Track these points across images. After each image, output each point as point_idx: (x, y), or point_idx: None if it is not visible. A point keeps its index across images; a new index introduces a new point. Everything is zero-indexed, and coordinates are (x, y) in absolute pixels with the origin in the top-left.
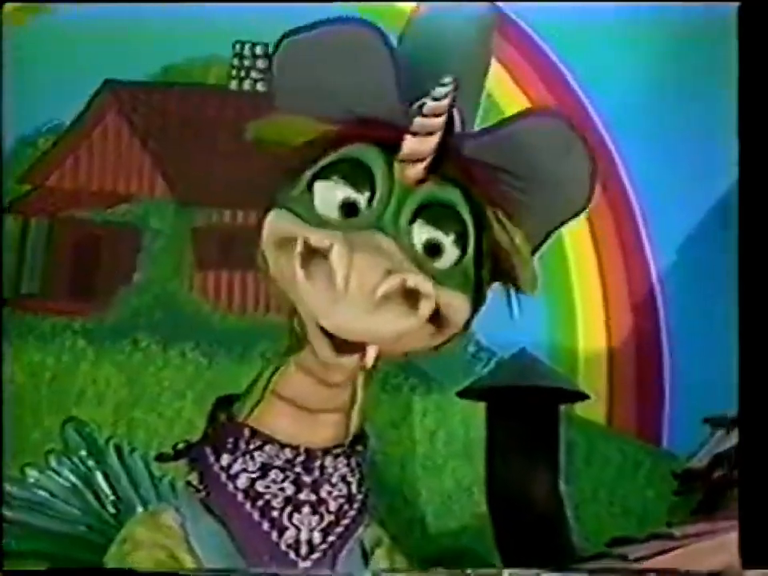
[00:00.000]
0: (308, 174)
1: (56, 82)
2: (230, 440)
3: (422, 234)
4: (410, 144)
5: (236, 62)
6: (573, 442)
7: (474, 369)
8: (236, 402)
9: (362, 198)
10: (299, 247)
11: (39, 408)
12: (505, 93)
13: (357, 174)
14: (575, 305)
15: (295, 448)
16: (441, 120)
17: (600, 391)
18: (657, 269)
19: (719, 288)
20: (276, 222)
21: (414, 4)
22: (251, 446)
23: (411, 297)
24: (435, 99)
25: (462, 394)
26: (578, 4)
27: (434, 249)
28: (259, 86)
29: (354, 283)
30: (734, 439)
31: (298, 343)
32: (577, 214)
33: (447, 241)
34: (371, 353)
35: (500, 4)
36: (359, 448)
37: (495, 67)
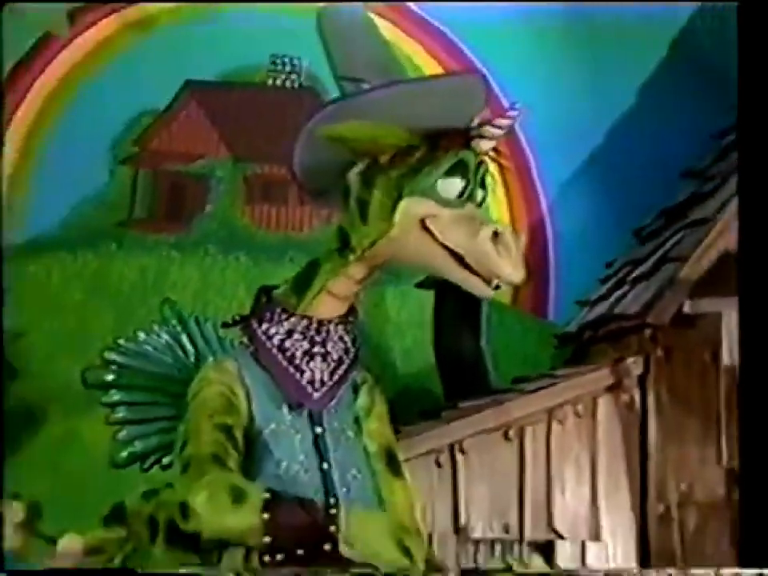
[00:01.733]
0: (435, 172)
1: (153, 77)
2: (267, 314)
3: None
4: (485, 145)
5: (272, 68)
6: (489, 315)
7: None
8: (274, 289)
9: (463, 184)
10: (489, 231)
11: (145, 294)
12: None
13: (463, 170)
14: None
15: (309, 318)
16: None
17: None
18: (546, 198)
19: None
20: (417, 205)
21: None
22: (281, 318)
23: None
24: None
25: (418, 285)
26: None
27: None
28: (287, 84)
29: (515, 252)
30: (594, 313)
31: (344, 268)
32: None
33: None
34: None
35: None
36: (351, 318)
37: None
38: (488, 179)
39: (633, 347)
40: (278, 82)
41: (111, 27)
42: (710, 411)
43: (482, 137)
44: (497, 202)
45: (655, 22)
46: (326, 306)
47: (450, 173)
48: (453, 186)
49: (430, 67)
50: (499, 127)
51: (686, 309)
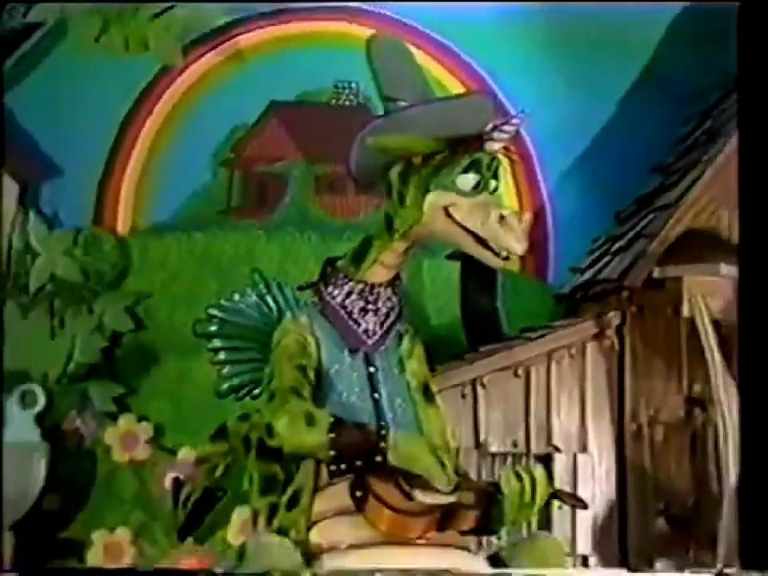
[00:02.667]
0: (455, 171)
1: (245, 99)
2: (332, 279)
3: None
4: (495, 146)
5: (335, 90)
6: (503, 280)
7: None
8: (336, 260)
9: (478, 177)
10: (497, 214)
11: (239, 265)
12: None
13: (477, 167)
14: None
15: (364, 282)
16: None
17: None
18: (546, 187)
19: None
20: (440, 197)
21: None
22: (342, 282)
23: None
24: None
25: (449, 257)
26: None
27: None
28: (347, 103)
29: (518, 230)
30: (583, 278)
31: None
32: None
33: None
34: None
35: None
36: (397, 282)
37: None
38: (500, 172)
39: (613, 304)
40: (340, 101)
41: (212, 60)
42: (672, 353)
43: (492, 140)
44: (508, 191)
45: (630, 45)
46: (377, 273)
47: (466, 170)
48: (468, 180)
49: (446, 80)
50: (505, 132)
51: (655, 274)
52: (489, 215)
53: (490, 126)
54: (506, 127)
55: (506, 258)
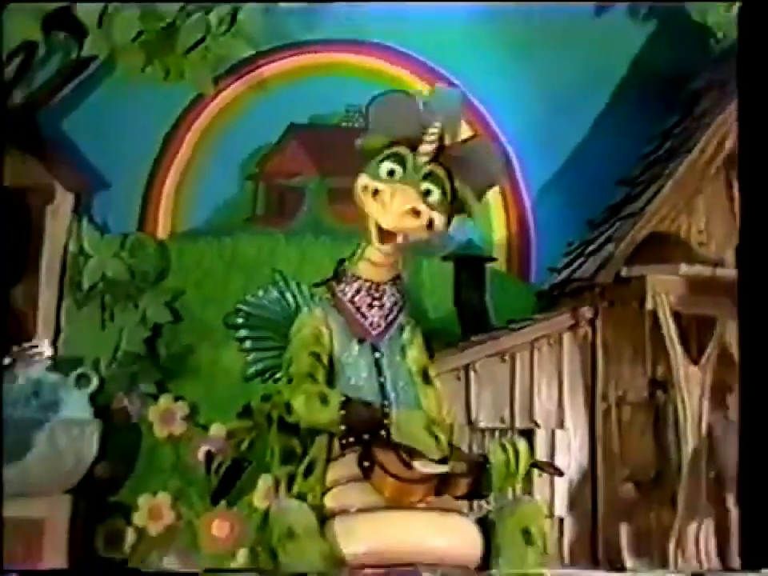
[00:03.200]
0: (378, 158)
1: (267, 122)
2: (343, 278)
3: (425, 185)
4: (424, 147)
5: (345, 115)
6: (491, 279)
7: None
8: (347, 260)
9: (399, 168)
10: (371, 188)
11: (262, 266)
12: None
13: (397, 158)
14: (492, 221)
15: (369, 281)
16: (436, 138)
17: (501, 256)
18: (529, 200)
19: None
20: (362, 179)
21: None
22: (351, 281)
23: (418, 214)
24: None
25: (444, 258)
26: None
27: (428, 192)
28: (356, 125)
29: (394, 205)
30: (561, 277)
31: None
32: (492, 186)
33: (436, 190)
34: (399, 239)
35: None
36: (398, 281)
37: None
38: (437, 174)
39: (586, 300)
40: (350, 123)
41: (239, 88)
42: (638, 341)
43: (421, 145)
44: (496, 203)
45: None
46: (368, 270)
47: (384, 159)
48: (383, 167)
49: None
50: (428, 145)
51: (623, 273)
52: (381, 194)
53: (429, 135)
54: (424, 146)
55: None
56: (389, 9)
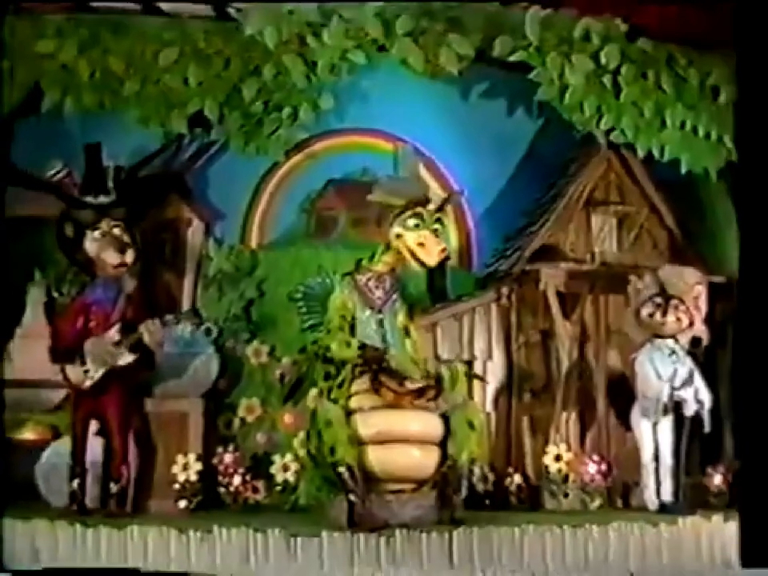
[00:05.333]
0: (406, 216)
1: (318, 180)
2: (360, 271)
3: (437, 228)
4: (431, 207)
5: (363, 172)
6: (449, 272)
7: None
8: (362, 260)
9: (416, 221)
10: (424, 242)
11: (313, 266)
12: None
13: (418, 215)
14: (450, 236)
15: (376, 272)
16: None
17: (454, 257)
18: (472, 221)
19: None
20: (396, 229)
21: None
22: (364, 272)
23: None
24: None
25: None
26: None
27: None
28: (368, 179)
29: (433, 248)
30: (491, 269)
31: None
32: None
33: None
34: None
35: None
36: (394, 273)
37: None
38: (443, 220)
39: (505, 283)
40: (365, 178)
41: (299, 157)
42: (535, 308)
43: (429, 204)
44: (453, 231)
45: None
46: (381, 266)
47: (411, 217)
48: (411, 222)
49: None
50: (436, 203)
51: (526, 268)
52: (420, 241)
53: (434, 197)
54: (436, 202)
55: (449, 258)
56: (388, 102)
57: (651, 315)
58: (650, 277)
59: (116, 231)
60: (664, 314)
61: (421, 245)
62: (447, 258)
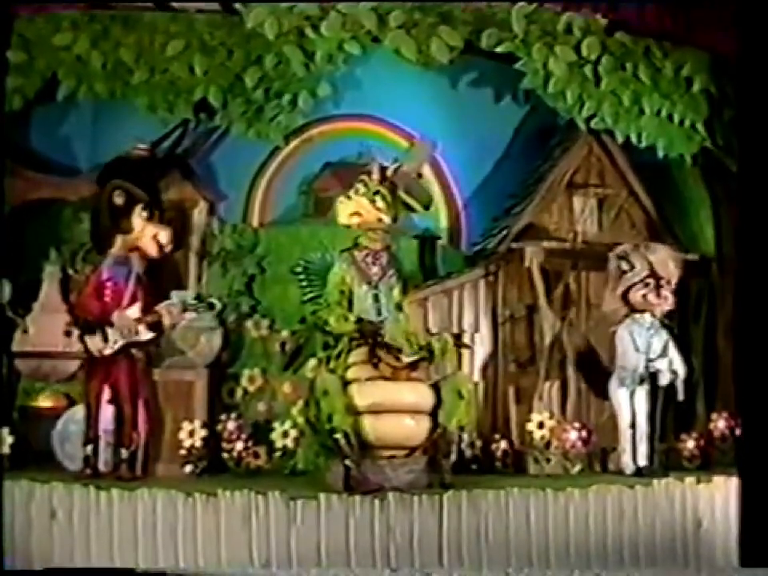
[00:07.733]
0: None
1: (318, 163)
2: (357, 247)
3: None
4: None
5: (358, 156)
6: (440, 249)
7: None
8: (359, 237)
9: (363, 188)
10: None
11: (310, 241)
12: None
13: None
14: (440, 216)
15: (372, 249)
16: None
17: (445, 236)
18: (461, 202)
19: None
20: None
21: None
22: (361, 249)
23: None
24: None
25: (414, 237)
26: None
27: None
28: (362, 161)
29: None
30: (479, 247)
31: None
32: (429, 201)
33: (380, 200)
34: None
35: None
36: (389, 250)
37: None
38: (383, 191)
39: (493, 261)
40: (360, 162)
41: (297, 143)
42: (521, 285)
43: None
44: (443, 207)
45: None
46: (372, 241)
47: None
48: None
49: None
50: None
51: (513, 246)
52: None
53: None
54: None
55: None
56: (381, 87)
57: (645, 296)
58: (640, 260)
59: (157, 214)
60: (657, 295)
61: (357, 213)
62: (438, 238)
